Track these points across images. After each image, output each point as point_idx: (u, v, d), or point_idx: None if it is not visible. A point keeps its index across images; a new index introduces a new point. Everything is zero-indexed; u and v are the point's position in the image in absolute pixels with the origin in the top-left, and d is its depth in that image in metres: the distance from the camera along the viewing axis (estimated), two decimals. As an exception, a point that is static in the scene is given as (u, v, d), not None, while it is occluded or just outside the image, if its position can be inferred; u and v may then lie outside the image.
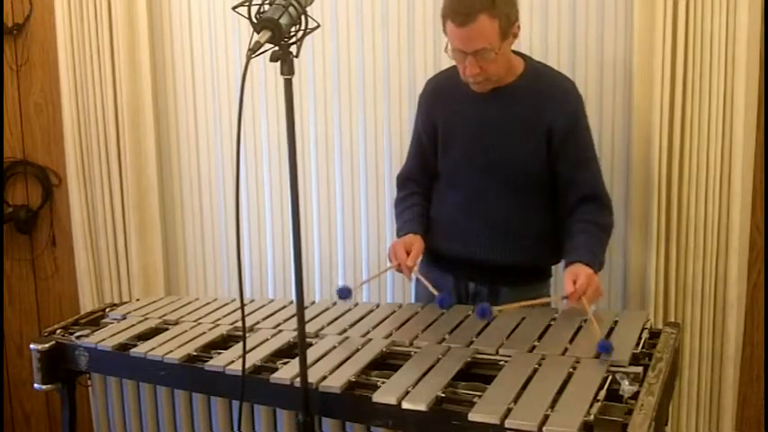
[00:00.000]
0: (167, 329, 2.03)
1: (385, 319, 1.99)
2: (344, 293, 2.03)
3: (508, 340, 1.77)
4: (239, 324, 1.93)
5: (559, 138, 2.03)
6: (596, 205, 2.07)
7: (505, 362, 1.66)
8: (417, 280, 2.12)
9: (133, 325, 2.07)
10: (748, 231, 2.35)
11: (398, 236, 2.16)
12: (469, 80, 1.99)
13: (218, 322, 2.06)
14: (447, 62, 2.13)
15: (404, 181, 2.29)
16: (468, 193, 2.12)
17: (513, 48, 2.04)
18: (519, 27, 1.96)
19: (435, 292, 1.99)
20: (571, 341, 1.74)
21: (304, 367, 1.53)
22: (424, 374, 1.61)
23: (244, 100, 1.41)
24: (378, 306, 2.11)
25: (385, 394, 1.53)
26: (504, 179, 2.07)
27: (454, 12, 1.88)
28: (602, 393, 1.47)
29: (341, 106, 2.69)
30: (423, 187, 2.25)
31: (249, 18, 1.42)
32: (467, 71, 1.96)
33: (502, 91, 2.04)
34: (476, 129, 2.08)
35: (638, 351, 1.68)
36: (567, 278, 1.89)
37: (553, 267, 2.25)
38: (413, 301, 2.36)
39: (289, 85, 1.45)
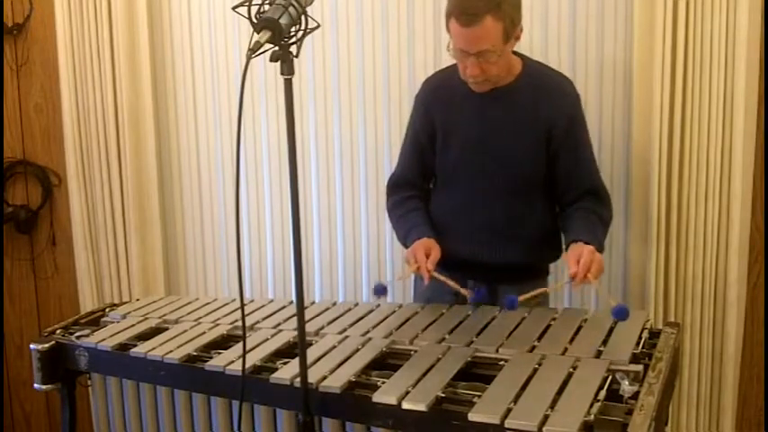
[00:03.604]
0: (167, 329, 2.03)
1: (385, 319, 1.99)
2: (380, 290, 2.00)
3: (508, 340, 1.77)
4: (239, 324, 1.93)
5: (558, 137, 2.04)
6: (596, 198, 2.08)
7: (505, 362, 1.66)
8: (420, 280, 2.12)
9: (133, 325, 2.07)
10: (748, 231, 2.36)
11: (407, 242, 2.10)
12: (469, 80, 1.99)
13: (218, 322, 2.06)
14: (447, 62, 2.13)
15: (398, 185, 2.23)
16: (468, 194, 2.11)
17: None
18: (522, 30, 1.96)
19: (461, 290, 2.00)
20: (571, 341, 1.74)
21: (304, 367, 1.53)
22: (424, 374, 1.61)
23: (244, 100, 1.41)
24: (378, 306, 2.11)
25: (385, 394, 1.53)
26: (503, 179, 2.07)
27: (460, 11, 1.86)
28: (602, 393, 1.47)
29: (341, 106, 2.69)
30: (420, 190, 2.22)
31: (249, 18, 1.42)
32: (468, 71, 1.96)
33: (500, 91, 2.04)
34: (475, 129, 2.08)
35: (638, 351, 1.67)
36: (571, 258, 1.87)
37: (551, 265, 2.25)
38: (412, 301, 2.36)
39: (289, 85, 1.45)
